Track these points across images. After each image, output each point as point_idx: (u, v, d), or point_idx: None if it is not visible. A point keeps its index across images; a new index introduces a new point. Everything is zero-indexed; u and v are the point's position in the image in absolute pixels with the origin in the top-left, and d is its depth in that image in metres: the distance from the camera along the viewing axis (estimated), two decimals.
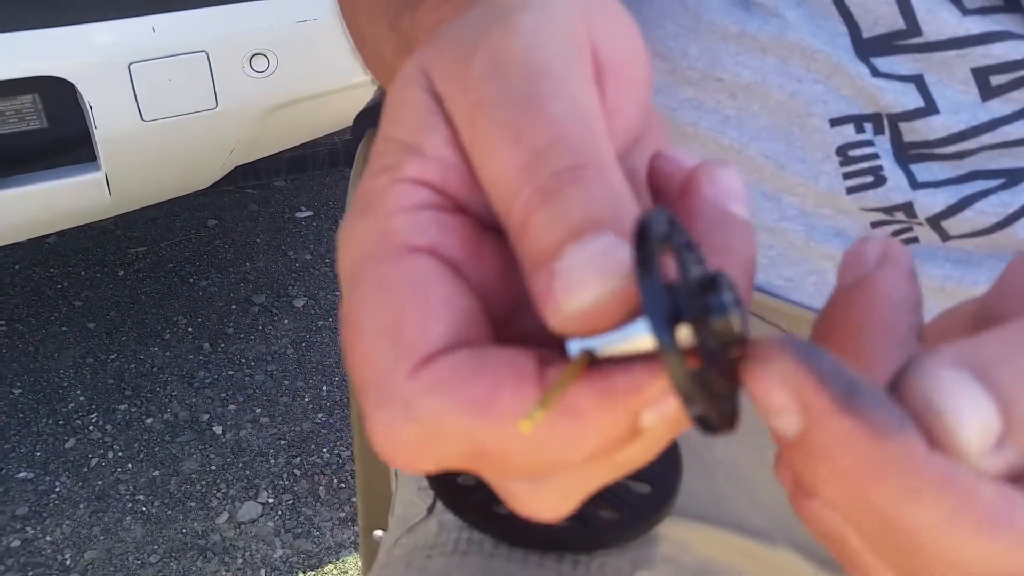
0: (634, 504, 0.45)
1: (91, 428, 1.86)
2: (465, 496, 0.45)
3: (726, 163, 0.24)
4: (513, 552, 0.44)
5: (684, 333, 0.19)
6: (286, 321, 2.15)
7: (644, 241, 0.19)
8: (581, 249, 0.20)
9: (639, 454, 0.22)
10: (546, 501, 0.23)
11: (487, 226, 0.24)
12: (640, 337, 0.20)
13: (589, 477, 0.23)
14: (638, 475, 0.47)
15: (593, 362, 0.20)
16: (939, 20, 0.50)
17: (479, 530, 0.44)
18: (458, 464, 0.21)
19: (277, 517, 1.70)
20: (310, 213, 2.56)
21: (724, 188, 0.23)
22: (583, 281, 0.20)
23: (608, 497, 0.45)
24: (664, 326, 0.19)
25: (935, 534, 0.18)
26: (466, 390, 0.20)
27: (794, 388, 0.19)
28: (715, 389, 0.20)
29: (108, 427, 1.86)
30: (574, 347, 0.21)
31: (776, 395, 0.19)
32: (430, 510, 0.48)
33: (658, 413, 0.20)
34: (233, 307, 2.18)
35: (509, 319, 0.24)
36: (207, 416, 1.90)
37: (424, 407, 0.20)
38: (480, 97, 0.23)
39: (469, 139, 0.23)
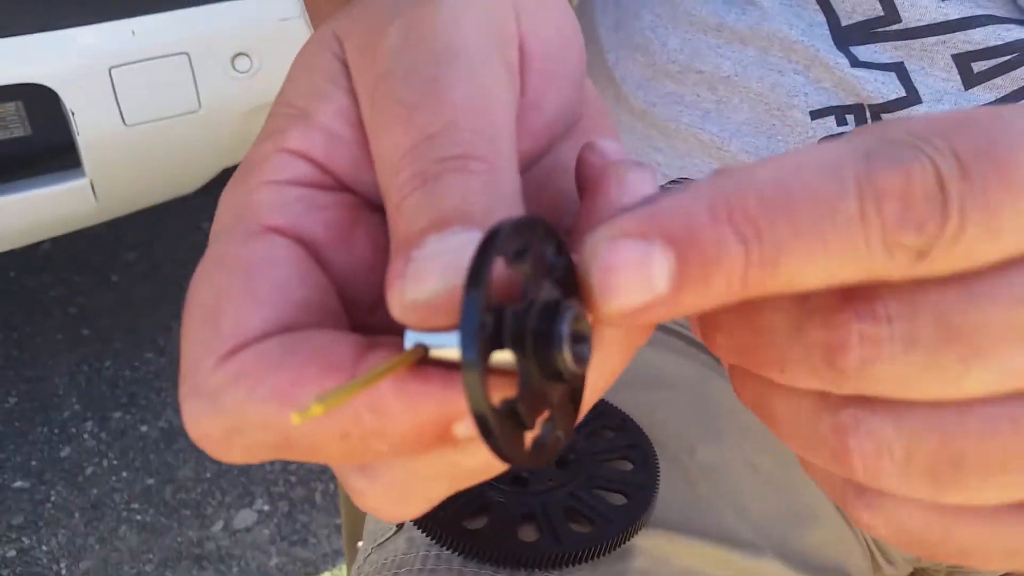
0: (608, 516, 0.43)
1: (86, 436, 1.84)
2: (433, 512, 0.43)
3: (641, 164, 0.22)
4: (482, 569, 0.42)
5: (501, 356, 0.18)
6: None
7: (487, 250, 0.18)
8: (441, 240, 0.19)
9: (483, 463, 0.21)
10: (384, 499, 0.22)
11: (375, 207, 0.23)
12: (455, 346, 0.19)
13: (429, 481, 0.22)
14: (613, 485, 0.45)
15: (424, 360, 0.19)
16: (917, 5, 0.49)
17: (447, 547, 0.43)
18: (273, 455, 0.21)
19: (273, 524, 1.69)
20: None
21: (632, 192, 0.22)
22: (429, 272, 0.19)
23: (581, 509, 0.43)
24: (472, 342, 0.18)
25: None
26: (269, 381, 0.19)
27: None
28: (527, 419, 0.19)
29: (103, 435, 1.85)
30: (410, 338, 0.19)
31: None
32: (400, 526, 0.47)
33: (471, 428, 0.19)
34: None
35: (378, 304, 0.23)
36: None
37: (228, 399, 0.20)
38: (386, 69, 0.22)
39: (367, 112, 0.22)
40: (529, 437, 0.20)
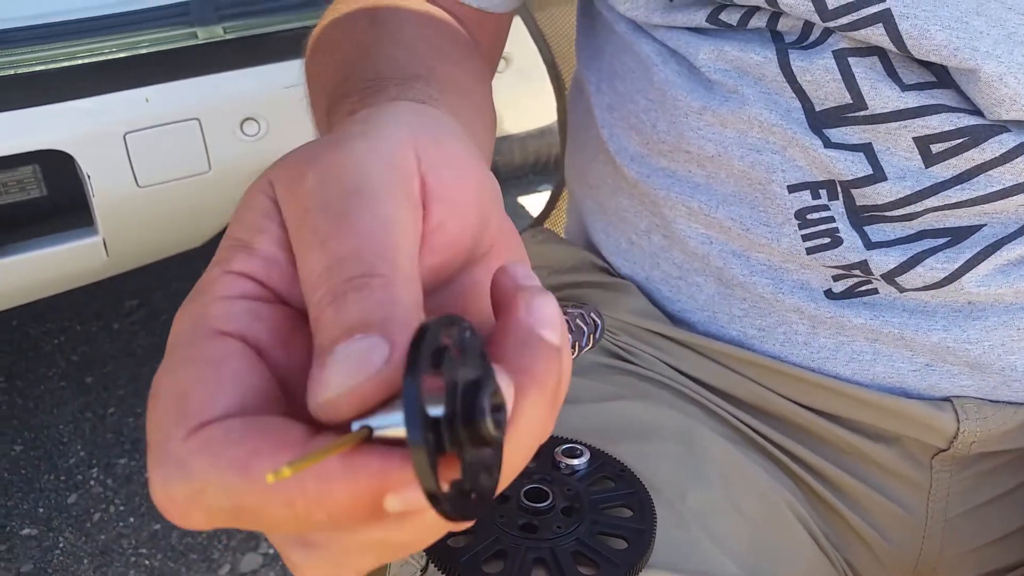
0: (612, 560, 0.48)
1: (92, 483, 1.87)
2: (456, 557, 0.48)
3: (544, 293, 0.27)
4: None
5: (441, 430, 0.22)
6: None
7: (419, 344, 0.22)
8: (346, 347, 0.24)
9: (408, 538, 0.25)
10: (319, 570, 0.26)
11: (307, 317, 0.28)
12: (399, 427, 0.22)
13: (360, 555, 0.26)
14: (615, 531, 0.50)
15: (369, 439, 0.23)
16: (882, 95, 0.55)
17: None
18: (225, 521, 0.24)
19: (279, 567, 1.72)
20: None
21: (538, 316, 0.26)
22: (334, 375, 0.23)
23: (587, 554, 0.48)
24: (415, 420, 0.21)
25: None
26: (230, 452, 0.23)
27: None
28: (465, 483, 0.23)
29: (109, 481, 1.88)
30: (355, 424, 0.23)
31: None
32: (424, 571, 0.52)
33: (401, 500, 0.23)
34: None
35: None
36: None
37: (194, 465, 0.23)
38: (306, 206, 0.27)
39: (294, 241, 0.27)
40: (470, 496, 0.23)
